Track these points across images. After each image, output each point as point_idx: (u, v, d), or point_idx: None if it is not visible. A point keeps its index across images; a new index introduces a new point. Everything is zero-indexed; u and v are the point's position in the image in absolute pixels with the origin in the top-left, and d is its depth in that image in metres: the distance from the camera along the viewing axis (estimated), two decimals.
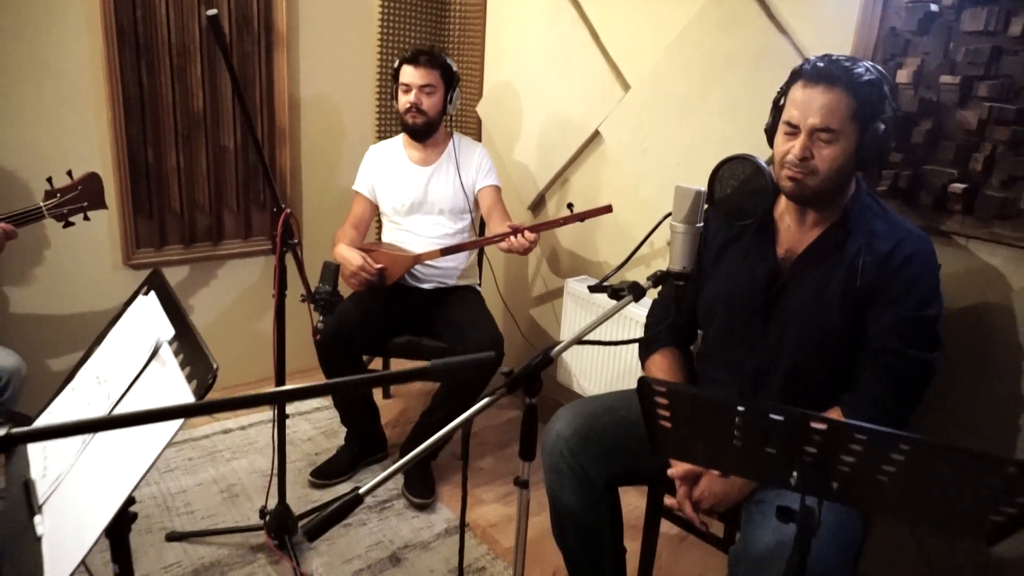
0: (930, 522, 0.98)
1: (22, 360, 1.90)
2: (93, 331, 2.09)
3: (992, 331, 1.68)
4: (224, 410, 0.87)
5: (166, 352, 1.08)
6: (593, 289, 1.36)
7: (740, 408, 0.92)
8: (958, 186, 1.65)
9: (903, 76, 1.71)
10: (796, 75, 1.42)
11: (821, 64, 1.38)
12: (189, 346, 1.05)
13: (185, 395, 0.97)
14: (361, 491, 1.01)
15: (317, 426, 2.70)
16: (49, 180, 1.94)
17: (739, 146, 1.50)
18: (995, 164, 1.60)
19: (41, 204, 1.90)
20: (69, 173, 1.97)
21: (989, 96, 1.58)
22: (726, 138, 2.11)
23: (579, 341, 1.20)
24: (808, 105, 1.35)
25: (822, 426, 0.86)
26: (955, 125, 1.65)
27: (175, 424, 0.93)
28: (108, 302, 2.53)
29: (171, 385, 1.02)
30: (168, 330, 1.12)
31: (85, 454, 1.03)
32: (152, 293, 1.27)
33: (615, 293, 1.27)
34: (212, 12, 1.38)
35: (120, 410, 1.06)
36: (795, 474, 0.98)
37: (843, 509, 1.31)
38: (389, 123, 3.05)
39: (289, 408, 2.59)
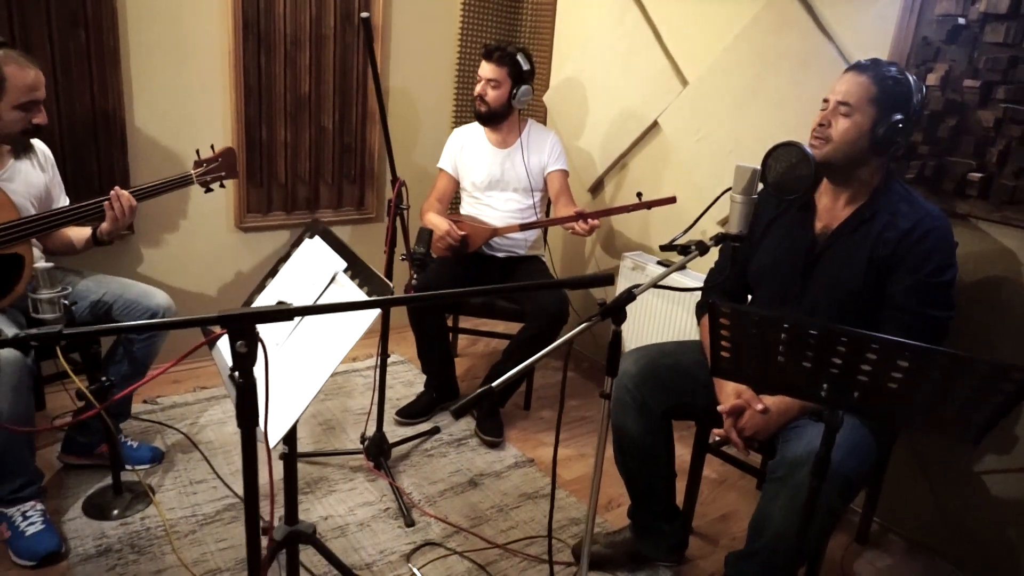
0: (930, 425, 1.27)
1: (171, 300, 2.27)
2: (214, 280, 2.47)
3: (1003, 301, 1.96)
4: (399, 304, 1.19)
5: (343, 278, 1.43)
6: (664, 248, 1.67)
7: (786, 324, 1.22)
8: (976, 175, 1.93)
9: (932, 79, 1.99)
10: (845, 70, 1.72)
11: (863, 60, 1.68)
12: (363, 272, 1.39)
13: (369, 314, 1.31)
14: (495, 384, 1.34)
15: (397, 378, 3.05)
16: (197, 152, 2.30)
17: (786, 137, 1.79)
18: (1008, 157, 1.87)
19: (192, 172, 2.27)
20: (212, 147, 2.33)
21: (1005, 98, 1.86)
22: (773, 130, 2.39)
23: (655, 285, 1.51)
24: (838, 85, 1.67)
25: (845, 338, 1.16)
26: (975, 123, 1.92)
27: (371, 316, 1.26)
28: (223, 258, 2.91)
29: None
30: (340, 262, 1.46)
31: (288, 343, 1.38)
32: (316, 237, 1.61)
33: (684, 249, 1.58)
34: (365, 15, 1.72)
35: (304, 328, 1.40)
36: (825, 386, 1.29)
37: (861, 432, 1.61)
38: (466, 110, 3.38)
39: (373, 361, 2.95)
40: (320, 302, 1.41)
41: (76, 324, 1.99)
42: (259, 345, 1.03)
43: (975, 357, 1.08)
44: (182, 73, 2.64)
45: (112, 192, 2.01)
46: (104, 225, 2.05)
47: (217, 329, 1.02)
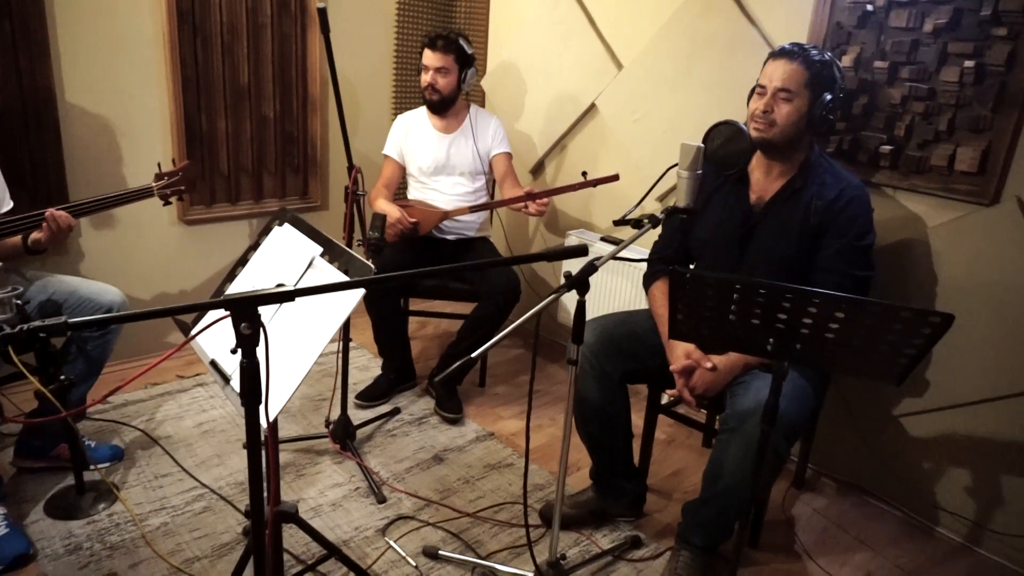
0: (862, 369, 1.44)
1: (124, 295, 2.24)
2: (159, 275, 2.42)
3: (913, 260, 2.18)
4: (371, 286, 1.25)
5: (320, 262, 1.48)
6: (617, 222, 1.79)
7: (738, 286, 1.36)
8: (886, 147, 2.13)
9: (847, 61, 2.17)
10: (770, 55, 1.87)
11: (787, 46, 1.83)
12: (342, 255, 1.45)
13: (355, 294, 1.37)
14: (473, 355, 1.42)
15: (352, 363, 3.08)
16: (159, 166, 2.28)
17: (717, 116, 1.93)
18: (913, 131, 2.08)
19: (152, 185, 2.24)
20: (173, 161, 2.32)
21: (909, 78, 2.06)
22: (706, 110, 2.55)
23: (614, 256, 1.62)
24: (774, 72, 1.81)
25: (790, 295, 1.31)
26: (884, 100, 2.13)
27: (356, 295, 1.32)
28: (168, 252, 2.87)
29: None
30: (316, 247, 1.52)
31: (271, 325, 1.42)
32: (286, 224, 1.65)
33: (637, 223, 1.70)
34: (322, 5, 1.76)
35: (291, 309, 1.45)
36: (771, 340, 1.44)
37: (800, 382, 1.79)
38: (405, 97, 3.42)
39: (331, 347, 2.98)
40: (302, 285, 1.46)
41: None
42: (261, 327, 1.08)
43: (901, 305, 1.24)
44: (116, 65, 2.58)
45: (47, 214, 1.97)
46: (38, 236, 2.00)
47: (189, 325, 1.07)
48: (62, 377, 1.96)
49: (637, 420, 2.27)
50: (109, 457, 2.29)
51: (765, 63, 1.87)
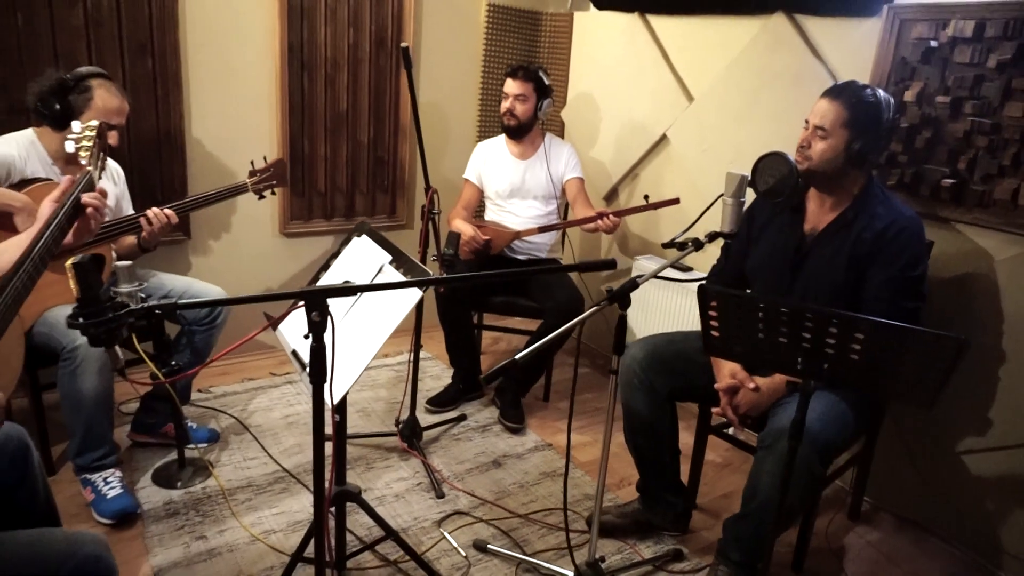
0: (889, 392, 1.48)
1: (227, 295, 2.54)
2: (258, 281, 2.68)
3: (978, 293, 2.17)
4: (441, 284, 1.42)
5: (389, 269, 1.68)
6: (666, 245, 1.91)
7: (761, 304, 1.45)
8: (948, 181, 2.15)
9: (909, 95, 2.21)
10: (824, 92, 1.94)
11: (838, 84, 1.90)
12: (407, 263, 1.65)
13: (414, 295, 1.56)
14: (517, 357, 1.58)
15: (426, 372, 3.30)
16: (252, 163, 2.59)
17: (780, 147, 2.00)
18: (976, 165, 2.09)
19: (247, 181, 2.55)
20: (264, 159, 2.62)
21: (972, 113, 2.08)
22: (770, 142, 2.60)
23: (655, 275, 1.74)
24: (816, 109, 1.88)
25: (810, 314, 1.39)
26: (947, 134, 2.14)
27: (414, 296, 1.51)
28: (268, 261, 3.19)
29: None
30: (386, 256, 1.72)
31: (345, 320, 1.63)
32: (364, 235, 1.87)
33: (682, 246, 1.82)
34: (405, 45, 1.99)
35: (361, 308, 1.66)
36: (800, 359, 1.52)
37: (841, 406, 1.83)
38: (489, 124, 3.65)
39: (405, 355, 3.21)
40: (366, 296, 1.67)
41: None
42: (328, 315, 1.28)
43: (915, 327, 1.30)
44: (235, 94, 2.93)
45: (149, 211, 2.28)
46: (143, 233, 2.32)
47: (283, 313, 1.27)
48: (172, 363, 2.26)
49: (688, 438, 2.35)
50: (207, 439, 2.58)
51: (818, 99, 1.95)
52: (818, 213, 2.03)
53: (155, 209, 2.29)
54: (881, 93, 1.88)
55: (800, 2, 2.50)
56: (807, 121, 1.93)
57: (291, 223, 3.22)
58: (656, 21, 3.10)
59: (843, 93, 1.86)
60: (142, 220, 2.27)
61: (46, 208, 1.50)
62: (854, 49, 2.37)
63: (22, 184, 2.08)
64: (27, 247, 1.37)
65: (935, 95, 2.15)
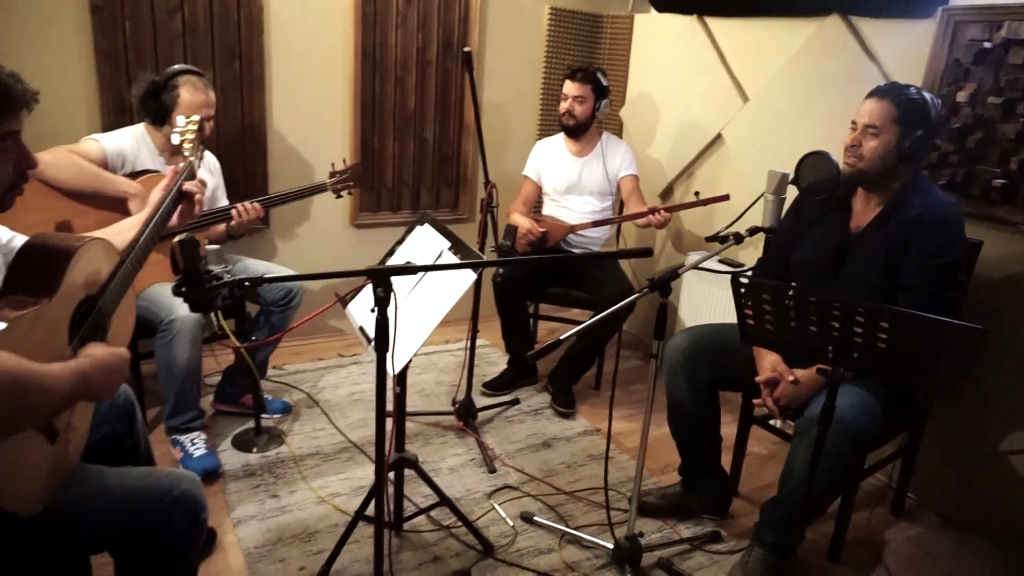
0: (916, 380, 1.55)
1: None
2: (329, 267, 2.86)
3: None
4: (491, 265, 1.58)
5: (447, 254, 1.84)
6: (709, 239, 2.01)
7: (790, 293, 1.54)
8: (999, 181, 2.16)
9: (962, 96, 2.23)
10: (868, 93, 2.00)
11: (882, 86, 1.96)
12: (464, 249, 1.80)
13: (469, 276, 1.71)
14: (562, 337, 1.72)
15: (483, 359, 3.47)
16: (332, 165, 2.81)
17: (833, 149, 2.05)
18: None
19: (327, 181, 2.77)
20: (344, 161, 2.84)
21: None
22: (822, 143, 2.65)
23: (695, 267, 1.85)
24: (864, 109, 1.94)
25: (837, 303, 1.48)
26: (1000, 135, 2.16)
27: (469, 278, 1.67)
28: (339, 250, 3.42)
29: (455, 272, 1.77)
30: (445, 242, 1.88)
31: (408, 299, 1.80)
32: (426, 224, 2.04)
33: (723, 239, 1.92)
34: (468, 49, 2.15)
35: (422, 288, 1.82)
36: (830, 348, 1.60)
37: (871, 400, 1.88)
38: (549, 123, 3.79)
39: (462, 342, 3.38)
40: (428, 277, 1.84)
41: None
42: (392, 292, 1.44)
43: (935, 318, 1.37)
44: (312, 95, 3.16)
45: (239, 205, 2.53)
46: (234, 223, 2.56)
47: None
48: (253, 338, 2.49)
49: (733, 429, 2.43)
50: (281, 410, 2.81)
51: (863, 101, 2.00)
52: (863, 211, 2.08)
53: (246, 203, 2.53)
54: (925, 91, 1.92)
55: (855, 4, 2.54)
56: (854, 123, 1.98)
57: (361, 215, 3.44)
58: (714, 23, 3.17)
59: (889, 92, 1.91)
60: (233, 211, 2.52)
61: (155, 195, 1.72)
62: (907, 51, 2.40)
63: (134, 175, 2.35)
64: (140, 227, 1.59)
65: (988, 96, 2.17)
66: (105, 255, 1.46)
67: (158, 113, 2.40)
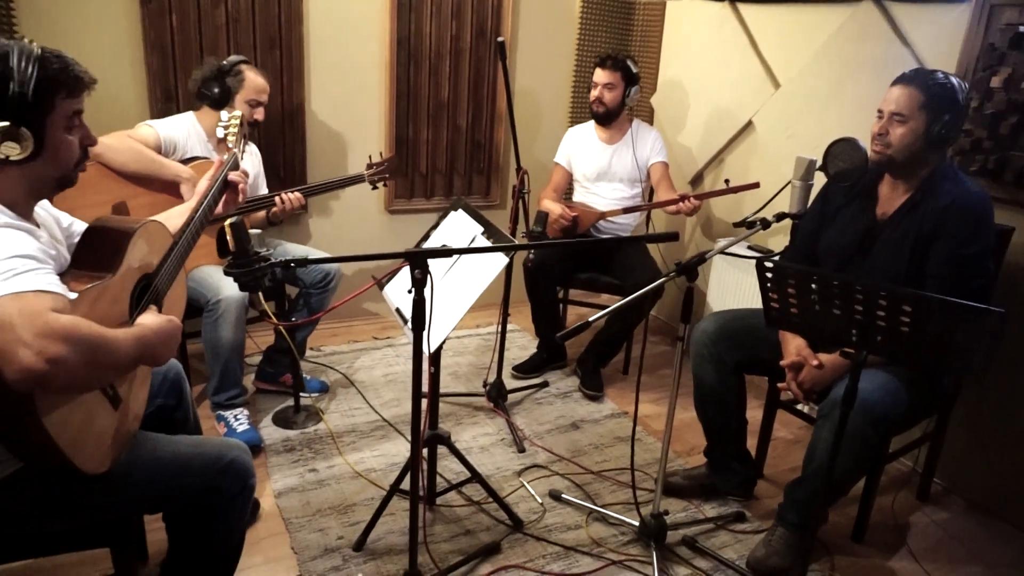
0: (940, 363, 1.57)
1: (339, 265, 2.86)
2: (365, 252, 2.97)
3: None
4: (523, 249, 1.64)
5: (481, 239, 1.91)
6: (736, 224, 2.04)
7: (814, 276, 1.58)
8: None
9: (996, 81, 2.22)
10: (892, 82, 2.00)
11: (907, 73, 1.96)
12: (496, 233, 1.87)
13: (501, 260, 1.78)
14: (591, 319, 1.77)
15: (513, 343, 3.54)
16: (370, 157, 2.90)
17: (864, 136, 2.06)
18: None
19: (364, 172, 2.86)
20: (380, 153, 2.93)
21: None
22: (854, 129, 2.64)
23: (722, 251, 1.89)
24: (889, 97, 1.95)
25: (859, 287, 1.51)
26: None
27: (501, 261, 1.73)
28: (374, 235, 3.51)
29: (487, 255, 1.84)
30: (478, 227, 1.95)
31: (443, 281, 1.87)
32: (460, 210, 2.11)
33: (750, 224, 1.95)
34: (501, 39, 2.20)
35: (456, 271, 1.89)
36: (854, 331, 1.63)
37: (895, 383, 1.91)
38: (580, 110, 3.82)
39: (493, 325, 3.46)
40: (462, 260, 1.91)
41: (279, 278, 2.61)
42: (428, 274, 1.52)
43: (956, 301, 1.39)
44: (349, 83, 3.25)
45: (282, 195, 2.64)
46: (276, 210, 2.66)
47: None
48: (292, 318, 2.59)
49: (759, 414, 2.47)
50: (318, 389, 2.92)
51: (888, 88, 2.00)
52: (890, 198, 2.09)
53: (288, 192, 2.64)
54: (952, 76, 1.92)
55: None
56: (880, 111, 1.99)
57: (395, 201, 3.52)
58: (746, 9, 3.17)
59: (915, 79, 1.92)
60: (276, 199, 2.62)
61: (202, 185, 1.82)
62: (942, 35, 2.39)
63: (186, 161, 2.48)
64: (190, 213, 1.69)
65: (1022, 81, 2.16)
66: (160, 237, 1.56)
67: (221, 97, 2.53)
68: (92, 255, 1.39)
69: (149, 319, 1.33)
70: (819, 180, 2.14)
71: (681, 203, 2.86)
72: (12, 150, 1.21)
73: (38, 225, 1.35)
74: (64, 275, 1.33)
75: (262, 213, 2.72)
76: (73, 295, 1.19)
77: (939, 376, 2.06)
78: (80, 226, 1.55)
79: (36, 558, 1.82)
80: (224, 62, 2.56)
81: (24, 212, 1.31)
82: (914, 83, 1.91)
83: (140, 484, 1.44)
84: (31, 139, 1.23)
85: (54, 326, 1.05)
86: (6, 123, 1.20)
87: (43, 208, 1.45)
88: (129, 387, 1.45)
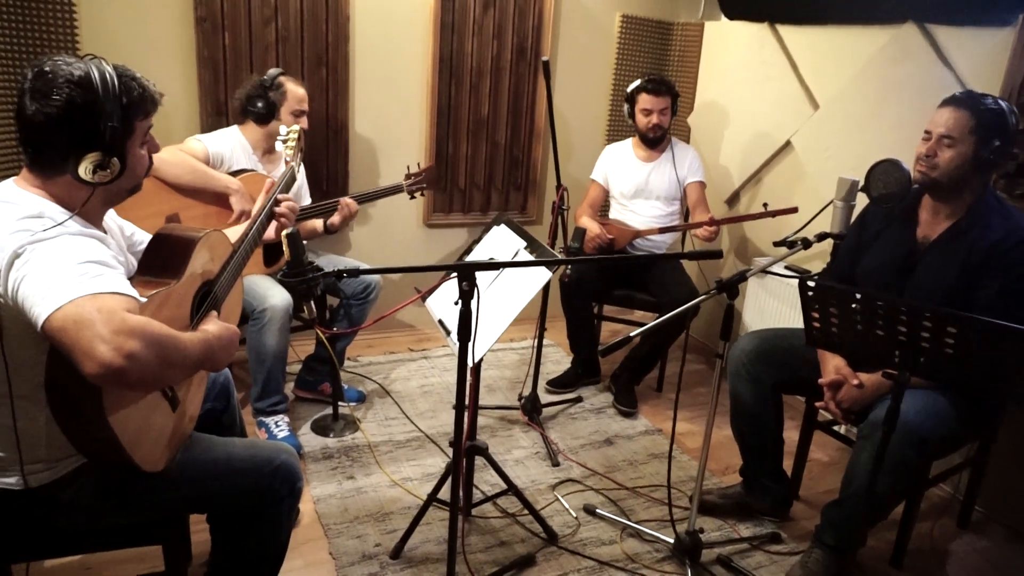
0: (986, 388, 1.57)
1: (379, 276, 2.92)
2: (404, 264, 3.04)
3: None
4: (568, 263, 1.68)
5: (523, 254, 1.95)
6: (777, 244, 2.05)
7: (857, 296, 1.59)
8: None
9: None
10: (941, 103, 2.00)
11: (958, 94, 1.96)
12: (539, 248, 1.91)
13: (544, 274, 1.81)
14: (632, 334, 1.80)
15: (548, 358, 3.56)
16: (408, 168, 2.97)
17: (904, 156, 2.06)
18: None
19: (403, 183, 2.93)
20: (419, 164, 3.00)
21: None
22: (893, 151, 2.65)
23: (763, 270, 1.90)
24: (939, 119, 1.94)
25: (904, 308, 1.51)
26: None
27: (544, 275, 1.77)
28: (412, 248, 3.58)
29: (531, 269, 1.87)
30: (521, 242, 1.99)
31: (486, 293, 1.91)
32: (502, 224, 2.15)
33: (791, 244, 1.96)
34: (545, 59, 2.25)
35: (499, 284, 1.93)
36: (897, 352, 1.63)
37: (942, 403, 1.89)
38: (617, 128, 3.86)
39: (529, 341, 3.49)
40: (505, 273, 1.94)
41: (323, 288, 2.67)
42: (475, 286, 1.56)
43: (1004, 324, 1.39)
44: (392, 100, 3.33)
45: (343, 200, 2.71)
46: (335, 220, 2.73)
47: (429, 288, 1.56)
48: (334, 328, 2.65)
49: (795, 435, 2.46)
50: (356, 398, 2.97)
51: (937, 109, 2.00)
52: (931, 222, 2.08)
53: (346, 198, 2.73)
54: (1002, 100, 1.92)
55: (932, 12, 2.54)
56: (928, 132, 1.98)
57: (434, 215, 3.58)
58: (785, 30, 3.19)
59: (966, 102, 1.91)
60: (340, 202, 2.74)
61: (259, 202, 1.88)
62: (985, 59, 2.39)
63: (234, 174, 2.56)
64: (249, 222, 1.76)
65: None
66: (221, 246, 1.63)
67: (265, 111, 2.60)
68: (159, 261, 1.45)
69: (212, 326, 1.39)
70: (860, 201, 2.15)
71: (705, 228, 2.88)
72: (104, 177, 1.29)
73: (106, 232, 1.42)
74: (132, 279, 1.39)
75: (319, 223, 2.80)
76: (143, 299, 1.25)
77: (982, 401, 2.04)
78: (141, 235, 1.62)
79: (90, 553, 1.89)
80: (264, 77, 2.63)
81: (96, 222, 1.38)
82: (965, 106, 1.91)
83: (194, 483, 1.49)
84: (118, 164, 1.30)
85: (131, 323, 1.11)
86: (96, 154, 1.27)
87: (109, 217, 1.52)
88: (187, 390, 1.51)
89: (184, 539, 1.65)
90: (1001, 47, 2.33)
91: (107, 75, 1.28)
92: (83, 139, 1.26)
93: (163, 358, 1.15)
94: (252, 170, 2.60)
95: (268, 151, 2.74)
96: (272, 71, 2.65)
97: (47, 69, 1.25)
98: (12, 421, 1.28)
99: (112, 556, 1.89)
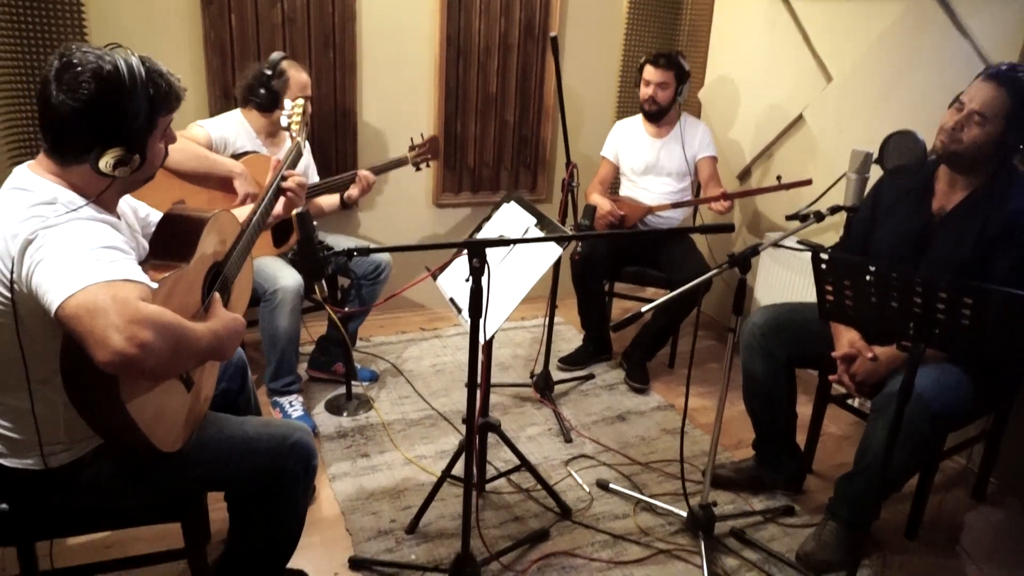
0: (1003, 359, 1.55)
1: (390, 256, 2.92)
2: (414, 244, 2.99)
3: None
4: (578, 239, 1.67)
5: (533, 231, 1.94)
6: (789, 217, 2.03)
7: (871, 268, 1.57)
8: None
9: None
10: (982, 73, 1.91)
11: (1004, 68, 1.88)
12: (549, 225, 1.90)
13: (555, 250, 1.81)
14: (643, 309, 1.79)
15: (559, 335, 3.55)
16: (411, 139, 2.95)
17: (919, 128, 2.02)
18: None
19: (408, 155, 2.92)
20: (422, 135, 2.98)
21: None
22: (909, 123, 2.61)
23: (775, 244, 1.88)
24: (976, 93, 1.87)
25: (919, 279, 1.50)
26: None
27: (554, 252, 1.76)
28: (421, 228, 3.58)
29: (541, 245, 1.87)
30: (532, 219, 1.98)
31: (498, 269, 1.91)
32: (512, 202, 2.14)
33: (804, 217, 1.94)
34: (554, 35, 2.23)
35: (510, 261, 1.93)
36: (911, 324, 1.62)
37: (959, 376, 1.88)
38: (627, 104, 3.82)
39: (540, 319, 3.50)
40: (516, 249, 1.94)
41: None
42: (486, 263, 1.55)
43: (1020, 293, 1.38)
44: (399, 79, 3.31)
45: (361, 172, 2.70)
46: (353, 192, 2.74)
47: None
48: (346, 308, 2.66)
49: (807, 410, 2.46)
50: (369, 378, 2.99)
51: (975, 79, 1.91)
52: (948, 193, 2.05)
53: (363, 171, 2.76)
54: None
55: None
56: (961, 102, 1.90)
57: (443, 195, 3.58)
58: (798, 3, 3.14)
59: (1008, 82, 1.82)
60: (358, 175, 2.77)
61: (268, 179, 1.88)
62: (1003, 27, 2.34)
63: (237, 157, 2.56)
64: (257, 201, 1.76)
65: None
66: (230, 226, 1.63)
67: (269, 100, 2.58)
68: (168, 244, 1.46)
69: (219, 316, 1.39)
70: (874, 173, 2.12)
71: (715, 203, 2.86)
72: (124, 172, 1.29)
73: (119, 217, 1.43)
74: (143, 263, 1.40)
75: (332, 199, 2.80)
76: (154, 285, 1.25)
77: (998, 373, 2.03)
78: (156, 215, 1.62)
79: (111, 531, 1.93)
80: (265, 66, 2.58)
81: (111, 208, 1.39)
82: (1006, 86, 1.82)
83: (211, 462, 1.51)
84: (138, 159, 1.30)
85: (144, 313, 1.11)
86: (119, 149, 1.27)
87: (123, 199, 1.52)
88: (201, 371, 1.52)
89: (202, 517, 1.67)
90: (1019, 15, 2.28)
91: (136, 71, 1.27)
92: (107, 134, 1.26)
93: (175, 348, 1.15)
94: (255, 151, 2.60)
95: (272, 134, 2.73)
96: (274, 55, 2.61)
97: (75, 60, 1.24)
98: (31, 405, 1.30)
99: (133, 533, 1.92)
